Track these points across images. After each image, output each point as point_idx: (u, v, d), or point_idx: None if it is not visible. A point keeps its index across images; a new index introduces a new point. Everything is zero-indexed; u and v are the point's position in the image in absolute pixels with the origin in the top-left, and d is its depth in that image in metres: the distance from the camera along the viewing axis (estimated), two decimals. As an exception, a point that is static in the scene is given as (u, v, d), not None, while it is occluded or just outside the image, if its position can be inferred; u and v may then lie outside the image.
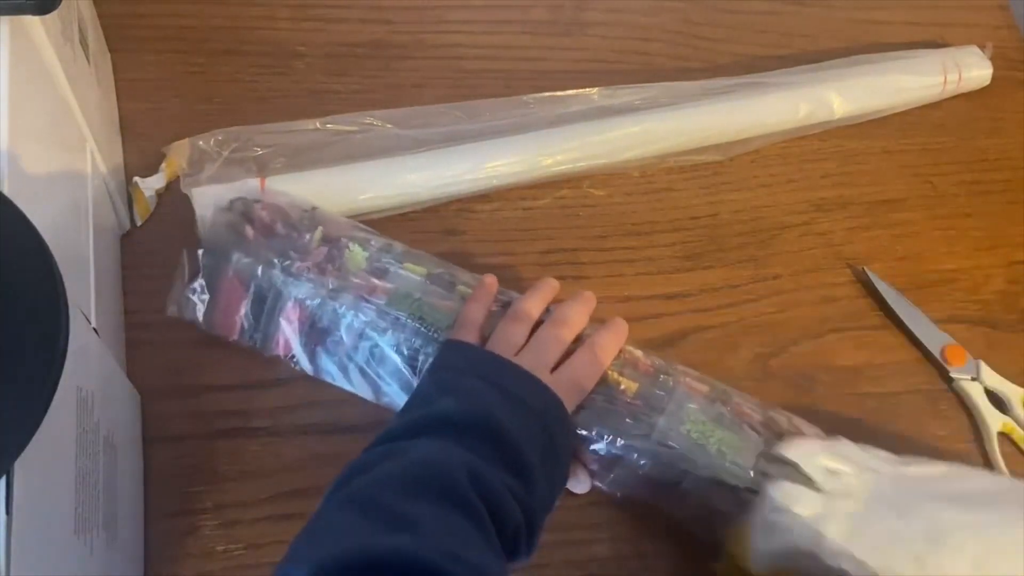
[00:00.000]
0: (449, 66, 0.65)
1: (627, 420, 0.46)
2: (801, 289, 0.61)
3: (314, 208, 0.52)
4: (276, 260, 0.48)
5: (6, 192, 0.32)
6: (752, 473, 0.45)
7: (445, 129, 0.60)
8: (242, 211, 0.50)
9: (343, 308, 0.48)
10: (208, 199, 0.52)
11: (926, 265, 0.64)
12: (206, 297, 0.49)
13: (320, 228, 0.50)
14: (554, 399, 0.44)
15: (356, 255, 0.50)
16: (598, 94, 0.64)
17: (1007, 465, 0.56)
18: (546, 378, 0.45)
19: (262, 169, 0.56)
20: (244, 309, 0.49)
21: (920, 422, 0.58)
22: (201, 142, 0.56)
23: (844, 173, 0.67)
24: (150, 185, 0.54)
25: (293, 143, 0.58)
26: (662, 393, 0.47)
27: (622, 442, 0.46)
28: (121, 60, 0.60)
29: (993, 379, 0.58)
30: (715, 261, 0.61)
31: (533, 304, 0.49)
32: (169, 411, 0.50)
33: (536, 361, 0.46)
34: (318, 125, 0.59)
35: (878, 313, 0.61)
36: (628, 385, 0.48)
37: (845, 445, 0.46)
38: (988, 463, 0.56)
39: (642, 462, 0.46)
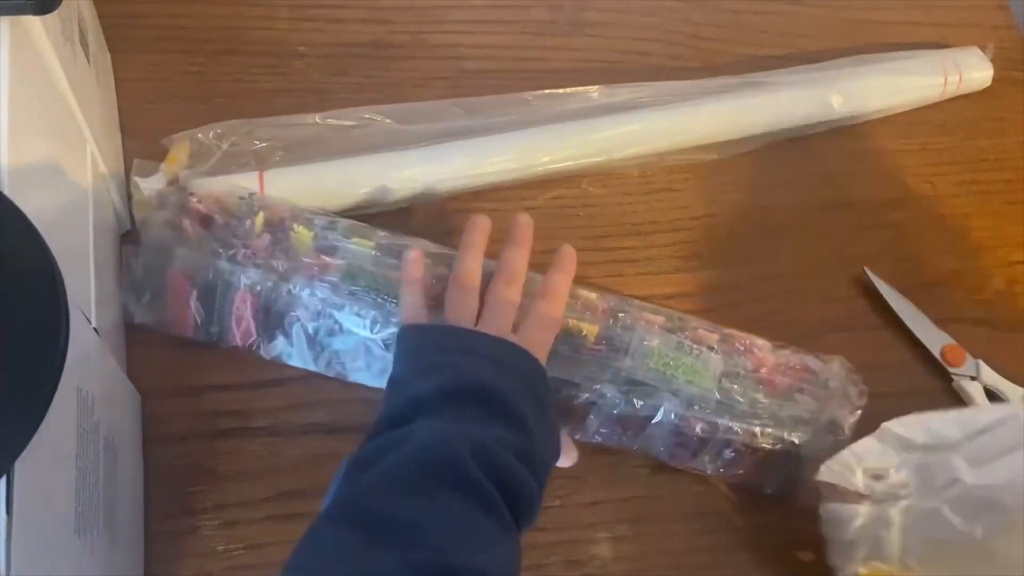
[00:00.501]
0: (449, 66, 0.65)
1: (593, 365, 0.48)
2: (801, 289, 0.61)
3: (252, 194, 0.52)
4: (220, 250, 0.48)
5: (6, 192, 0.32)
6: (717, 394, 0.48)
7: (444, 125, 0.60)
8: (177, 205, 0.50)
9: (297, 289, 0.48)
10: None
11: (926, 265, 0.64)
12: (147, 298, 0.49)
13: (261, 213, 0.50)
14: (530, 358, 0.44)
15: (302, 235, 0.50)
16: (598, 92, 0.64)
17: (1007, 465, 0.56)
18: (512, 340, 0.45)
19: (261, 162, 0.56)
20: (193, 304, 0.49)
21: (920, 422, 0.58)
22: (200, 135, 0.56)
23: (844, 173, 0.67)
24: (150, 185, 0.54)
25: (292, 137, 0.58)
26: (623, 333, 0.49)
27: (593, 387, 0.48)
28: (121, 60, 0.60)
29: (993, 379, 0.58)
30: (715, 261, 0.61)
31: (472, 263, 0.49)
32: (169, 411, 0.50)
33: (497, 327, 0.46)
34: (317, 120, 0.59)
35: (878, 313, 0.61)
36: (589, 330, 0.49)
37: (881, 436, 0.47)
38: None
39: (616, 401, 0.48)
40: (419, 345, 0.45)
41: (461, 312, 0.47)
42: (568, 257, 0.50)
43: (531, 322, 0.47)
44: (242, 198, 0.51)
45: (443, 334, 0.45)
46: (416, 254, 0.49)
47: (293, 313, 0.49)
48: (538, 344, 0.46)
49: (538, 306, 0.48)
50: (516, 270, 0.49)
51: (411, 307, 0.47)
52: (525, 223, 0.51)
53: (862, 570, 0.45)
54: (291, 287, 0.48)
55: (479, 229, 0.50)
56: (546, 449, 0.43)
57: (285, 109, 0.60)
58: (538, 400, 0.44)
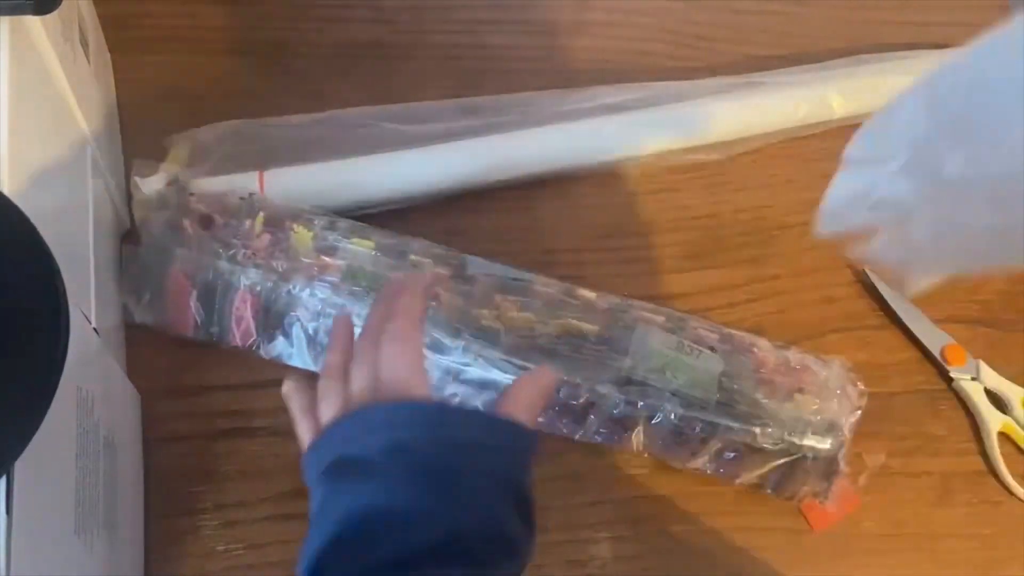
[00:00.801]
0: (449, 66, 0.65)
1: (593, 366, 0.48)
2: (801, 289, 0.61)
3: (251, 194, 0.52)
4: (220, 250, 0.49)
5: (6, 192, 0.32)
6: (717, 394, 0.48)
7: (444, 125, 0.60)
8: (177, 205, 0.51)
9: (297, 289, 0.48)
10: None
11: (926, 265, 0.64)
12: (147, 298, 0.49)
13: (261, 214, 0.50)
14: (392, 412, 0.36)
15: (302, 236, 0.50)
16: (598, 92, 0.64)
17: (1007, 465, 0.56)
18: (376, 397, 0.38)
19: (261, 162, 0.56)
20: (194, 304, 0.49)
21: (920, 422, 0.58)
22: (200, 135, 0.56)
23: (844, 173, 0.67)
24: (150, 185, 0.54)
25: (293, 137, 0.58)
26: (623, 333, 0.50)
27: (593, 387, 0.48)
28: (121, 60, 0.60)
29: (993, 379, 0.58)
30: (715, 261, 0.61)
31: (336, 355, 0.41)
32: (169, 411, 0.50)
33: (357, 397, 0.38)
34: (317, 120, 0.59)
35: (878, 313, 0.61)
36: (589, 330, 0.49)
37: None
38: (988, 463, 0.57)
39: (616, 401, 0.48)
40: (307, 483, 0.38)
41: (326, 413, 0.39)
42: (392, 286, 0.42)
43: (381, 365, 0.38)
44: (242, 198, 0.51)
45: (311, 459, 0.38)
46: (288, 387, 0.42)
47: (293, 313, 0.49)
48: (403, 384, 0.37)
49: (380, 348, 0.38)
50: (370, 326, 0.41)
51: (307, 438, 0.40)
52: (388, 285, 0.44)
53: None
54: (291, 287, 0.48)
55: (341, 329, 0.42)
56: (476, 502, 0.35)
57: (285, 109, 0.60)
58: (436, 448, 0.35)
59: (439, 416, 0.37)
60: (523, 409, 0.39)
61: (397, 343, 0.38)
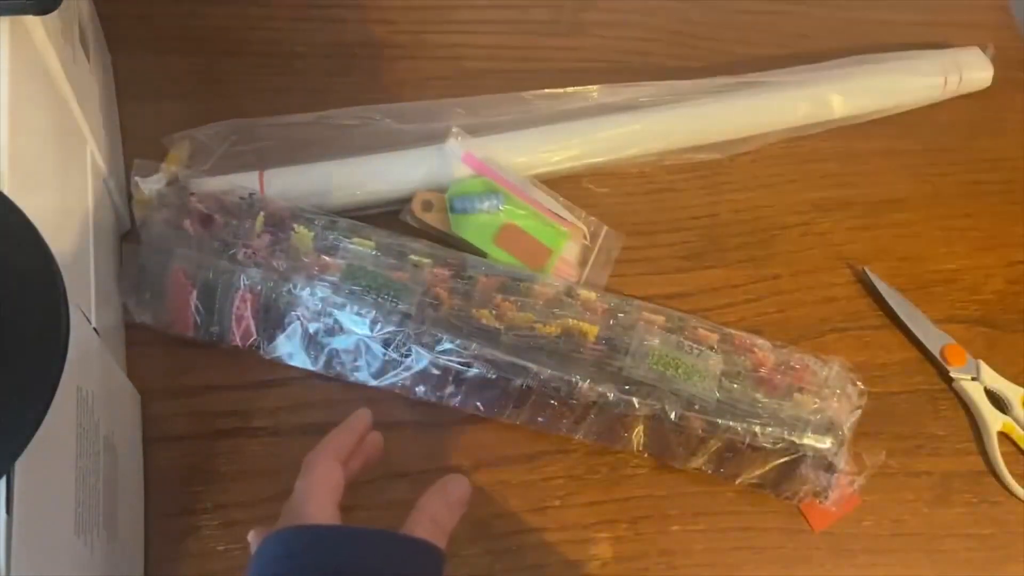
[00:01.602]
0: (449, 66, 0.65)
1: (593, 365, 0.48)
2: (801, 289, 0.61)
3: (251, 194, 0.52)
4: (220, 250, 0.49)
5: (6, 192, 0.32)
6: (717, 393, 0.48)
7: (444, 125, 0.60)
8: (177, 205, 0.51)
9: (297, 288, 0.48)
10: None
11: (926, 265, 0.64)
12: (147, 298, 0.49)
13: (262, 213, 0.50)
14: (268, 541, 0.35)
15: (303, 236, 0.50)
16: (598, 92, 0.64)
17: (1007, 465, 0.56)
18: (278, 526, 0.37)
19: (261, 162, 0.56)
20: (194, 304, 0.49)
21: (920, 422, 0.58)
22: (200, 135, 0.56)
23: (844, 173, 0.67)
24: (150, 185, 0.54)
25: (292, 136, 0.58)
26: (623, 333, 0.50)
27: (593, 387, 0.48)
28: (121, 60, 0.60)
29: (993, 379, 0.58)
30: (715, 261, 0.61)
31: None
32: (169, 411, 0.50)
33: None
34: (317, 119, 0.59)
35: (878, 313, 0.61)
36: (589, 330, 0.49)
37: None
38: (988, 463, 0.57)
39: (616, 401, 0.48)
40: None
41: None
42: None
43: (292, 496, 0.38)
44: (242, 198, 0.51)
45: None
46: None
47: (293, 313, 0.49)
48: (295, 513, 0.37)
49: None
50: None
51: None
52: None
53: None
54: (291, 287, 0.48)
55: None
56: None
57: (285, 109, 0.60)
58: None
59: (317, 541, 0.35)
60: (430, 527, 0.36)
61: (304, 473, 0.39)
